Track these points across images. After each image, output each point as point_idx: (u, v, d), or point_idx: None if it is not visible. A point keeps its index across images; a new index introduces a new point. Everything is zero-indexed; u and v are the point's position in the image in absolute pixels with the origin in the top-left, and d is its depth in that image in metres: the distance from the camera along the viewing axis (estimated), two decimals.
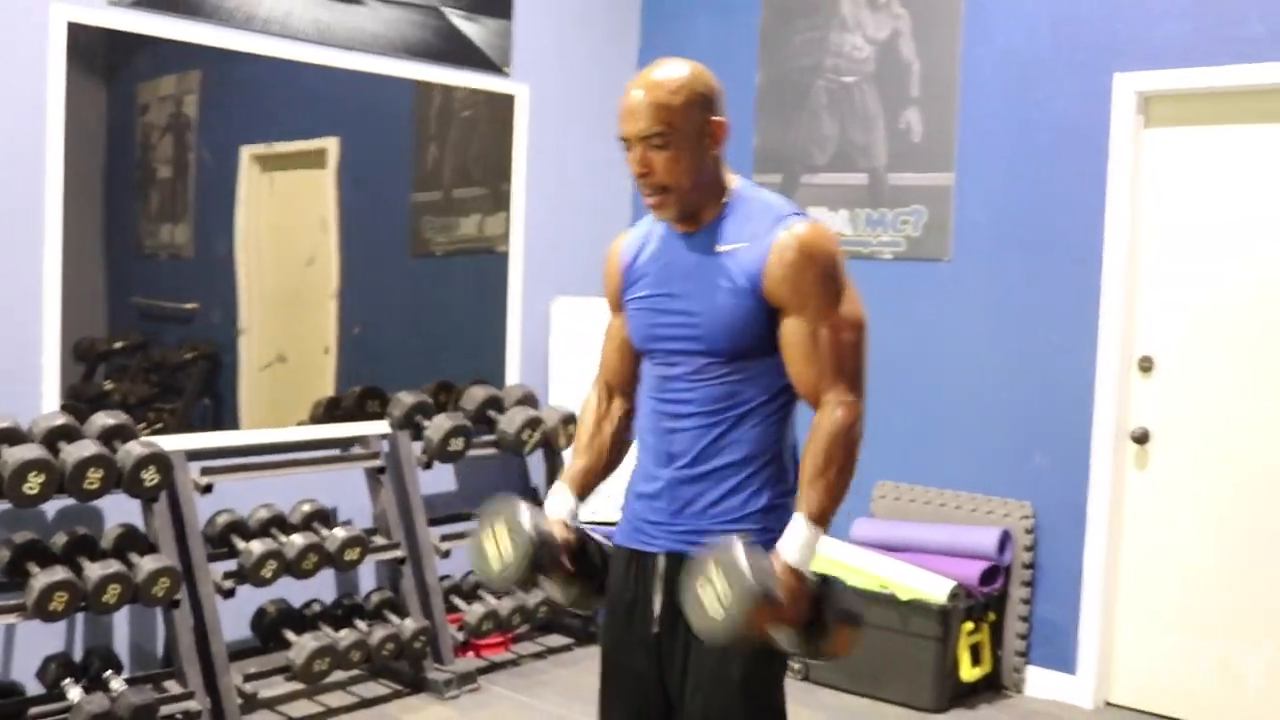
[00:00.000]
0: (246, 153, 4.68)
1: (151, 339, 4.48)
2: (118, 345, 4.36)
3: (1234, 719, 4.46)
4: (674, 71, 2.33)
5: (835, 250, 2.33)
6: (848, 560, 4.80)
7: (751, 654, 2.32)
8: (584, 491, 2.56)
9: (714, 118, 2.35)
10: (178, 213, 4.51)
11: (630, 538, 2.50)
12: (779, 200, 2.41)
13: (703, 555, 2.20)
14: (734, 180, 2.42)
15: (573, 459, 2.61)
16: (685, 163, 2.31)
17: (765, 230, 2.32)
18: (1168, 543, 4.63)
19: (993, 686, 4.87)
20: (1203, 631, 4.54)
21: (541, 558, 2.34)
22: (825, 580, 2.33)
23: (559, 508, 2.51)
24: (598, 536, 2.57)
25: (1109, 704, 4.75)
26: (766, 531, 2.33)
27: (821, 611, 2.27)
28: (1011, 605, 4.85)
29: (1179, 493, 4.61)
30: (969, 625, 4.69)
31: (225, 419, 4.64)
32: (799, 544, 2.25)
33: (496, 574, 2.37)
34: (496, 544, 2.35)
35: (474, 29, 5.29)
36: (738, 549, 2.15)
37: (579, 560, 2.48)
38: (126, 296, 4.41)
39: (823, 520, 2.27)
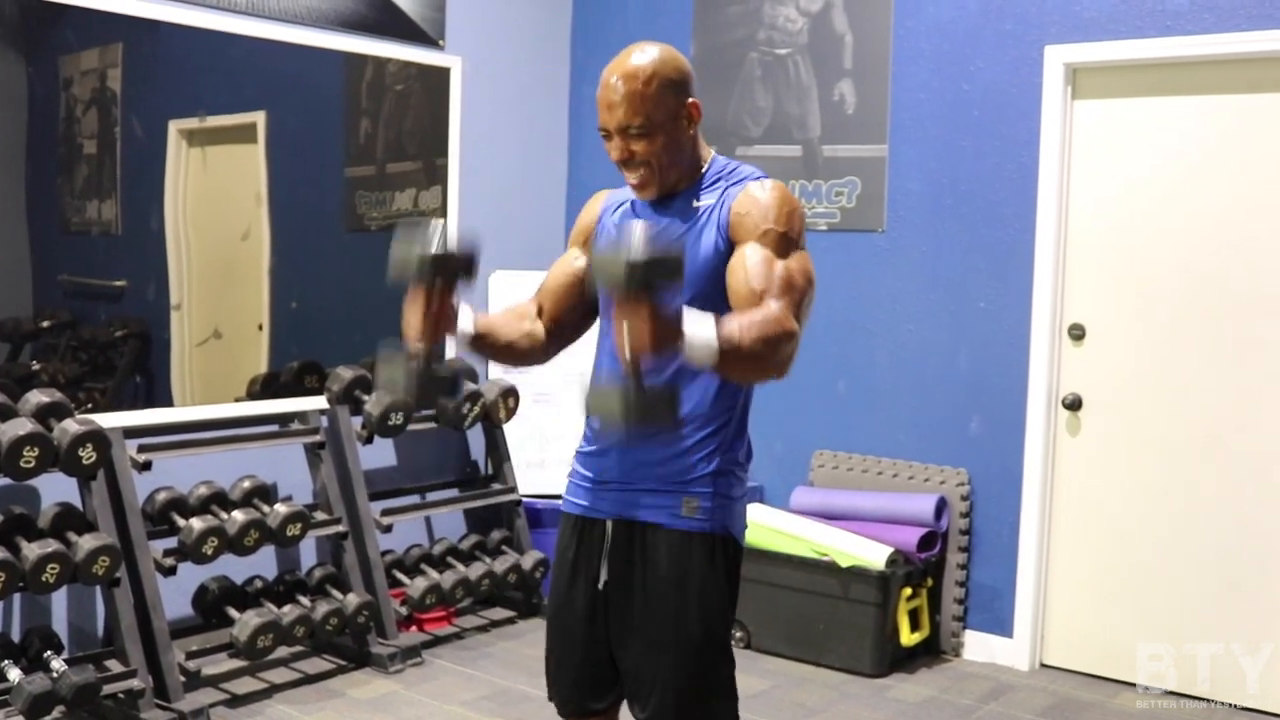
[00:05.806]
0: (174, 127, 4.59)
1: (80, 317, 4.39)
2: (44, 324, 4.28)
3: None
4: (644, 59, 2.36)
5: (796, 205, 2.39)
6: (787, 528, 4.84)
7: (708, 615, 2.38)
8: (481, 325, 2.47)
9: (688, 100, 2.40)
10: (105, 188, 4.42)
11: (577, 502, 2.54)
12: (750, 167, 2.49)
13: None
14: (710, 153, 2.50)
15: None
16: (664, 147, 2.37)
17: (735, 186, 2.40)
18: (1099, 506, 4.72)
19: (931, 650, 4.94)
20: (1132, 592, 4.65)
21: (450, 264, 2.27)
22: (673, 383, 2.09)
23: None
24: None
25: (1044, 665, 4.84)
26: (716, 496, 2.39)
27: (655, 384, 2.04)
28: (949, 570, 4.93)
29: (1109, 458, 4.70)
30: (908, 591, 4.75)
31: (159, 396, 4.57)
32: (698, 316, 2.07)
33: (413, 260, 2.25)
34: (409, 246, 2.26)
35: (407, 1, 5.24)
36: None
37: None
38: (53, 274, 4.32)
39: (722, 338, 2.05)
